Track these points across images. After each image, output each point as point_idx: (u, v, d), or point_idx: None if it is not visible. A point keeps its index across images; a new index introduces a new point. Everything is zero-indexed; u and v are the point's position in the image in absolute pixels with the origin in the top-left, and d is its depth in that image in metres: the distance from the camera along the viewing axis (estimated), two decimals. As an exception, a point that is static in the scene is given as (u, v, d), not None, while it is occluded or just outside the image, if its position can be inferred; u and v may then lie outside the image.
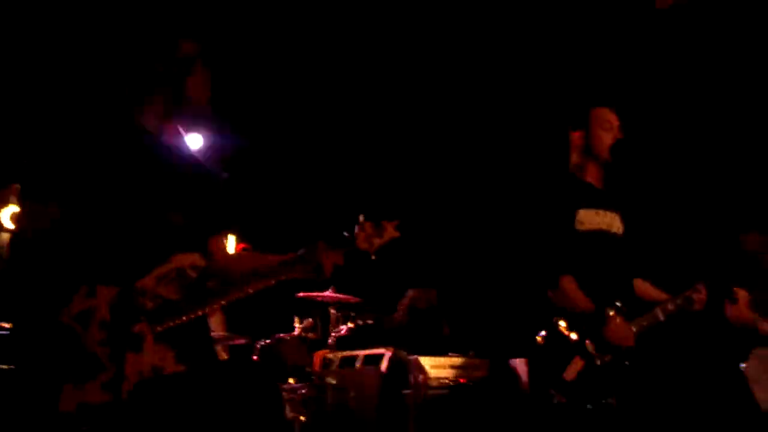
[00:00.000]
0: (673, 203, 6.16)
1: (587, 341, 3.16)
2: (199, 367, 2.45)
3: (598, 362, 3.15)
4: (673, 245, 6.05)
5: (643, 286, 3.49)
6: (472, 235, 7.52)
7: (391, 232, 2.71)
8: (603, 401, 3.08)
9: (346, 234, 2.68)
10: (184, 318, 2.45)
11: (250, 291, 2.58)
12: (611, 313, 3.17)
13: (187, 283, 2.54)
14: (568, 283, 3.18)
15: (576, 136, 3.43)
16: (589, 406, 3.09)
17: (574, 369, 3.09)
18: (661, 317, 3.29)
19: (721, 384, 4.24)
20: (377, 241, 2.69)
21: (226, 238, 2.95)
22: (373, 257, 2.69)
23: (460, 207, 7.56)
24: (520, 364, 5.84)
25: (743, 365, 4.22)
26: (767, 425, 3.95)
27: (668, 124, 5.90)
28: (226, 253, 2.87)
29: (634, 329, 3.22)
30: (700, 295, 3.29)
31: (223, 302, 2.56)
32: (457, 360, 5.92)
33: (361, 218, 2.70)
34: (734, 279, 4.24)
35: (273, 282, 2.63)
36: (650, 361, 3.29)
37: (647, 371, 3.30)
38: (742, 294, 4.24)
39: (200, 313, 2.51)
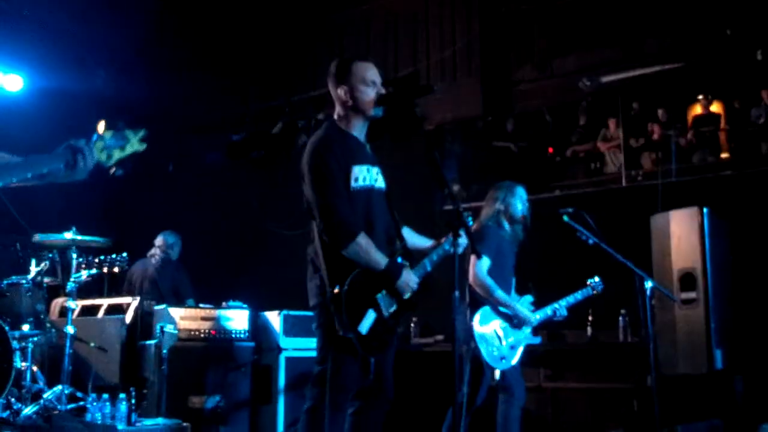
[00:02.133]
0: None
1: (380, 294, 3.23)
2: None
3: (387, 314, 3.24)
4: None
5: (410, 236, 3.54)
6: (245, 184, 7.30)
7: (134, 144, 2.44)
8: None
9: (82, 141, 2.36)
10: None
11: None
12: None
13: None
14: (362, 242, 3.19)
15: (340, 91, 3.35)
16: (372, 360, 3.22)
17: (368, 322, 3.15)
18: (429, 267, 3.44)
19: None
20: (117, 154, 2.41)
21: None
22: (112, 171, 2.40)
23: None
24: (272, 316, 5.79)
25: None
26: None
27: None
28: None
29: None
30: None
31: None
32: (209, 312, 5.74)
33: (101, 125, 2.40)
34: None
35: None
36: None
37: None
38: (485, 261, 4.53)
39: None
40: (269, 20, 7.91)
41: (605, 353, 5.95)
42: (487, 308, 4.61)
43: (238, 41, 8.09)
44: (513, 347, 4.63)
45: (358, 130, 3.41)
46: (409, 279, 3.30)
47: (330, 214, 3.20)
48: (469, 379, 4.40)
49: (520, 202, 4.81)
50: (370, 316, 3.18)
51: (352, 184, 3.28)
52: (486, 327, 4.58)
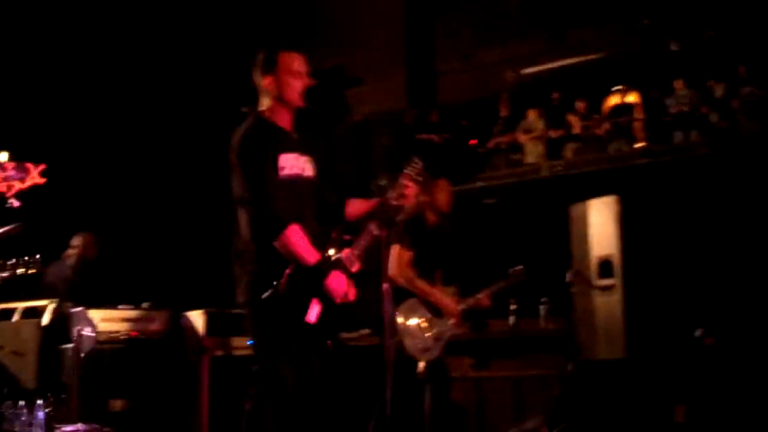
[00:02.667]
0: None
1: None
2: None
3: (337, 302, 3.17)
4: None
5: (352, 204, 3.51)
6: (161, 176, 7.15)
7: (34, 177, 2.38)
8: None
9: None
10: None
11: None
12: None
13: None
14: (293, 232, 3.10)
15: (267, 82, 3.31)
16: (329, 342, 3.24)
17: (314, 312, 3.09)
18: (375, 231, 3.36)
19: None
20: (17, 186, 2.35)
21: None
22: (12, 204, 2.35)
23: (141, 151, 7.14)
24: (195, 317, 5.68)
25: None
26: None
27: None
28: None
29: (356, 252, 3.27)
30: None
31: None
32: (130, 313, 5.59)
33: (3, 156, 2.34)
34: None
35: None
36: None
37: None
38: (405, 253, 4.54)
39: None
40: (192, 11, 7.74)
41: (528, 341, 6.05)
42: (410, 300, 4.61)
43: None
44: (437, 339, 4.64)
45: (285, 120, 3.38)
46: (338, 283, 3.18)
47: (262, 204, 3.14)
48: (393, 373, 4.41)
49: (442, 194, 4.83)
50: (315, 307, 3.12)
51: (281, 173, 3.22)
52: (409, 319, 4.58)
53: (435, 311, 4.66)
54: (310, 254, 3.15)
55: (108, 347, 5.35)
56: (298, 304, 3.10)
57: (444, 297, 4.69)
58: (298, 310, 3.09)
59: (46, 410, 4.66)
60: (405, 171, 3.45)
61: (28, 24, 6.89)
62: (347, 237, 3.33)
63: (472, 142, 7.48)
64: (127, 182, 7.40)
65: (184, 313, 5.73)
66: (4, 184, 2.36)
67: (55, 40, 7.00)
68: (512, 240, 5.45)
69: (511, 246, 5.27)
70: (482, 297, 4.84)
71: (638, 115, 7.09)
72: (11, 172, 2.36)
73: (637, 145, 7.05)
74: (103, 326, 5.39)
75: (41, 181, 2.40)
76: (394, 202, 3.41)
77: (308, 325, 3.10)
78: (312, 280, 3.14)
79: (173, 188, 7.15)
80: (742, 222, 5.88)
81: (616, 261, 5.35)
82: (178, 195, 7.04)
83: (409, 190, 3.43)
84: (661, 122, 6.97)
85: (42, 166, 2.40)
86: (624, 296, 5.28)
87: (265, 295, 3.08)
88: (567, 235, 5.63)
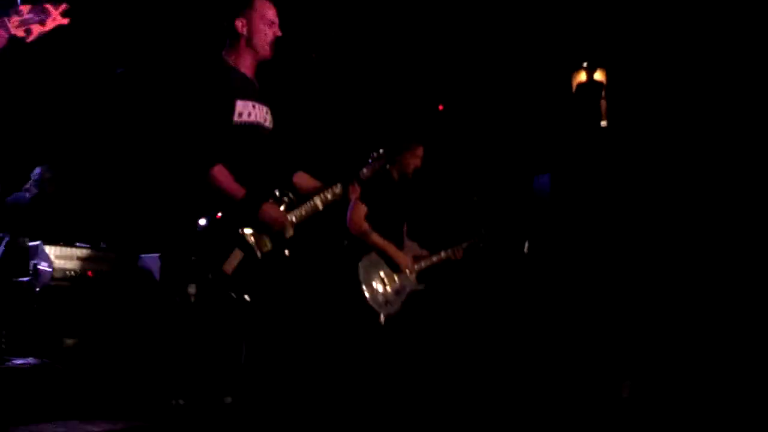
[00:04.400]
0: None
1: (248, 230, 3.06)
2: None
3: (259, 253, 3.07)
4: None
5: (302, 179, 3.50)
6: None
7: (56, 18, 2.27)
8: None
9: None
10: None
11: None
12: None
13: None
14: (220, 172, 3.02)
15: (238, 25, 3.26)
16: (247, 297, 3.03)
17: (233, 261, 2.97)
18: (320, 206, 3.34)
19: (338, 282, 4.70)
20: (36, 29, 2.24)
21: None
22: (30, 38, 2.24)
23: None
24: (151, 260, 5.66)
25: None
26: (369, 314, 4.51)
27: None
28: None
29: (294, 219, 3.23)
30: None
31: None
32: (85, 251, 5.56)
33: None
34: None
35: None
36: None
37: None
38: (362, 207, 4.58)
39: None
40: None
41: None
42: (372, 254, 4.67)
43: None
44: (398, 292, 4.72)
45: (248, 67, 3.30)
46: (274, 212, 3.10)
47: (191, 142, 3.06)
48: (354, 324, 4.49)
49: (413, 159, 4.87)
50: (237, 255, 3.01)
51: (235, 118, 3.14)
52: (370, 272, 4.63)
53: (395, 266, 4.75)
54: (237, 190, 3.04)
55: (63, 284, 5.34)
56: (217, 250, 2.99)
57: (398, 252, 4.75)
58: (215, 258, 2.98)
59: (-1, 342, 4.66)
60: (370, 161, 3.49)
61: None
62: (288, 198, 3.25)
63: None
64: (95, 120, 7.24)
65: (141, 256, 5.71)
66: (22, 28, 2.22)
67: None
68: (475, 205, 5.49)
69: (474, 211, 5.31)
70: (447, 254, 4.94)
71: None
72: (28, 15, 2.22)
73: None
74: (58, 263, 5.37)
75: (64, 21, 2.27)
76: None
77: (224, 275, 2.99)
78: (242, 222, 3.04)
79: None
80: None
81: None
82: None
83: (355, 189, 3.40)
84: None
85: (63, 6, 2.27)
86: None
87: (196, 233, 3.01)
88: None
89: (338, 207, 3.52)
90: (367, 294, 4.55)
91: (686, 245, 5.60)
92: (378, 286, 4.64)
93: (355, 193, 3.39)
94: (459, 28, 6.61)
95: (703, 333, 5.25)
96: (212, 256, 2.98)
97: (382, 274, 4.68)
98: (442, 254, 4.95)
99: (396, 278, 4.73)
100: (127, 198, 6.87)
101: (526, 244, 5.46)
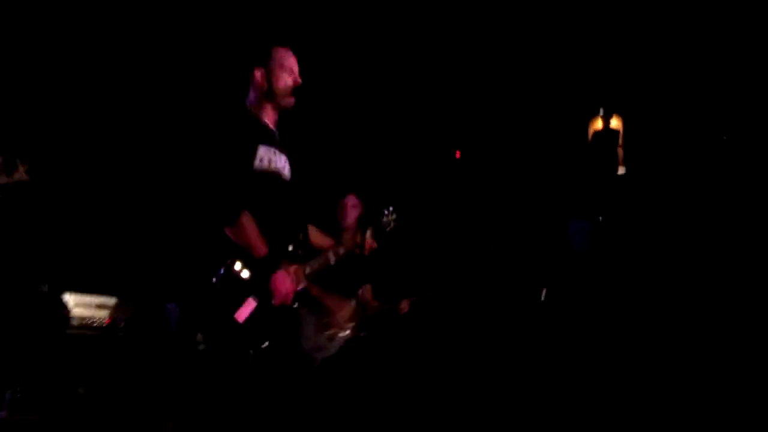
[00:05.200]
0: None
1: (263, 281, 3.04)
2: None
3: (276, 303, 3.05)
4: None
5: (314, 233, 3.50)
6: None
7: (21, 173, 2.37)
8: (261, 345, 3.01)
9: None
10: None
11: None
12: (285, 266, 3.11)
13: None
14: (248, 222, 3.02)
15: (257, 75, 3.30)
16: (250, 351, 2.99)
17: (246, 310, 2.94)
18: (332, 260, 3.34)
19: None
20: (2, 179, 2.33)
21: None
22: None
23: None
24: (172, 309, 5.65)
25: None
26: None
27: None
28: None
29: (307, 270, 3.22)
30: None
31: None
32: (104, 299, 5.55)
33: None
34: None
35: None
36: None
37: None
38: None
39: None
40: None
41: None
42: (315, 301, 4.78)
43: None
44: (331, 339, 4.79)
45: (269, 117, 3.33)
46: (283, 286, 3.06)
47: (222, 188, 3.02)
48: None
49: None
50: (250, 304, 3.00)
51: (257, 163, 3.13)
52: (308, 317, 4.73)
53: (330, 315, 4.81)
54: (261, 247, 3.04)
55: (80, 332, 5.31)
56: (231, 299, 2.97)
57: (334, 302, 4.78)
58: (229, 306, 2.96)
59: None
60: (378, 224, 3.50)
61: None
62: (300, 252, 3.25)
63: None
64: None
65: (167, 305, 5.69)
66: None
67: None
68: (491, 253, 5.52)
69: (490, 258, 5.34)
70: (390, 306, 4.99)
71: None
72: None
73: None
74: (77, 311, 5.36)
75: (24, 178, 2.35)
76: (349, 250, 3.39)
77: (236, 323, 2.96)
78: (257, 274, 3.03)
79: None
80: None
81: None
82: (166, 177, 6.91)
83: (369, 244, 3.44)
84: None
85: (28, 164, 2.35)
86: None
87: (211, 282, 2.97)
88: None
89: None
90: (302, 339, 4.63)
91: (705, 291, 5.54)
92: (313, 331, 4.72)
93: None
94: (475, 76, 6.68)
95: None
96: (224, 305, 2.95)
97: (319, 319, 4.75)
98: (385, 306, 5.00)
99: (333, 325, 4.77)
100: (147, 244, 6.88)
101: (544, 292, 5.44)
